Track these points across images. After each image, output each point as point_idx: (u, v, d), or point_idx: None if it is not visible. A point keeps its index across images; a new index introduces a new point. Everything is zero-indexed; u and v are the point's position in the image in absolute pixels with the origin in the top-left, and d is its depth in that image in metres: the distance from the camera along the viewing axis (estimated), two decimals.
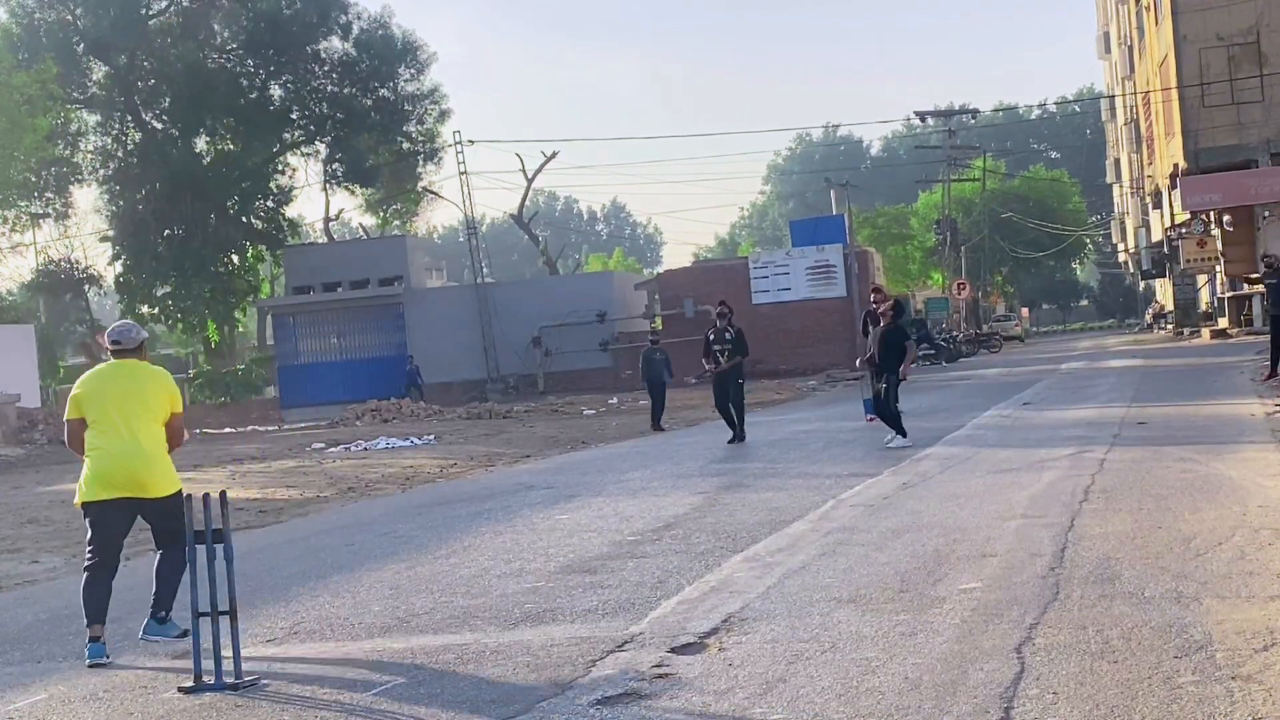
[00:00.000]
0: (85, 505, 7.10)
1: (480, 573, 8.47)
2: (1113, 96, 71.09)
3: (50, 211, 47.91)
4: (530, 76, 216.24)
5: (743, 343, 17.92)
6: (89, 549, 7.16)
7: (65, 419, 7.29)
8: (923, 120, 66.49)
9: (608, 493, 12.54)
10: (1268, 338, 19.21)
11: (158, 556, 7.25)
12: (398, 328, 45.47)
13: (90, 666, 6.67)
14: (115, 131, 50.15)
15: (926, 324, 45.52)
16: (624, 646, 6.00)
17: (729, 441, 17.30)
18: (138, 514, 7.16)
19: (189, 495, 6.29)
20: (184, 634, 6.87)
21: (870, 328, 15.74)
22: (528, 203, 59.21)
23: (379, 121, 50.23)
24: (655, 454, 16.94)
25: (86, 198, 67.52)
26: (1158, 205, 50.27)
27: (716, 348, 17.77)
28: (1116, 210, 78.11)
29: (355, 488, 15.87)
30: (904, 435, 14.64)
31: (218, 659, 5.91)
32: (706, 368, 18.05)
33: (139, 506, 7.10)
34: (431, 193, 56.98)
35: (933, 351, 42.02)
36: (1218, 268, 43.86)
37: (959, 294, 59.43)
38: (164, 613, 7.18)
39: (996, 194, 77.16)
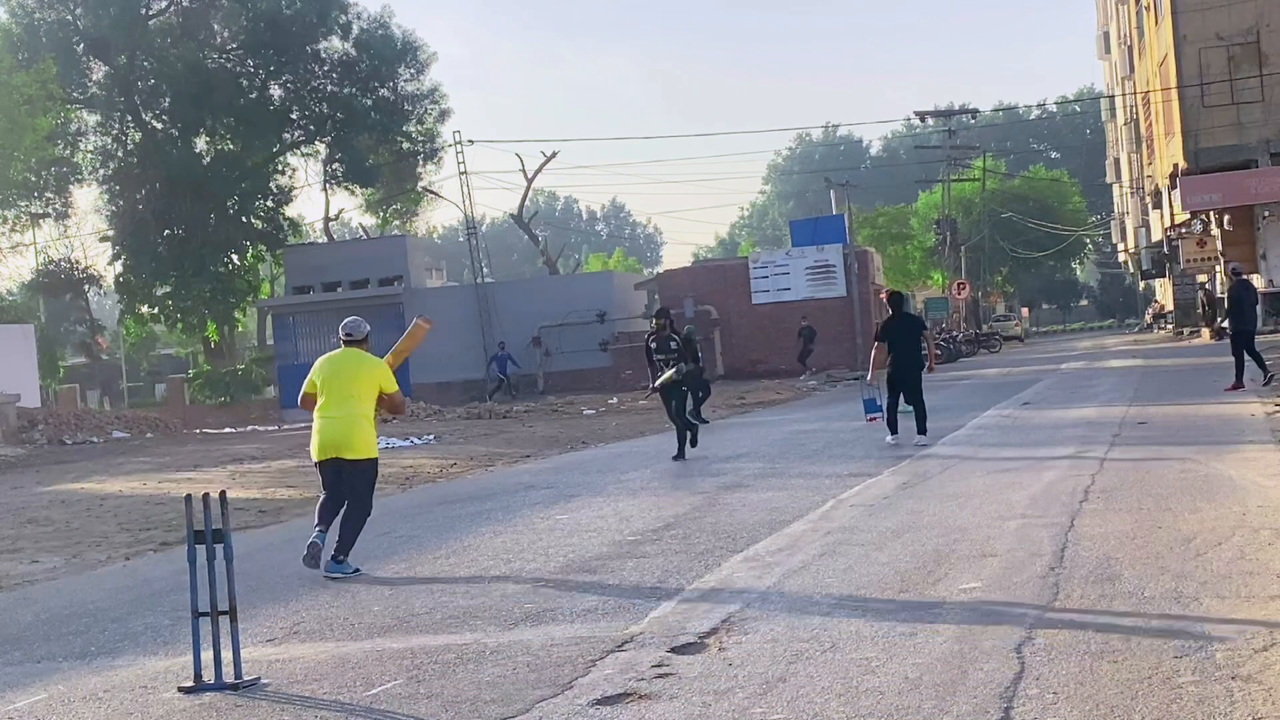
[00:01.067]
0: (316, 463, 9.18)
1: (480, 573, 8.47)
2: (1113, 96, 71.07)
3: (50, 211, 47.90)
4: (530, 76, 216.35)
5: (692, 349, 16.50)
6: (322, 491, 9.25)
7: (303, 392, 9.32)
8: (923, 120, 66.48)
9: (608, 493, 12.54)
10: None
11: (345, 507, 8.93)
12: (398, 328, 45.24)
13: (309, 546, 8.75)
14: (115, 131, 50.14)
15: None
16: (624, 646, 6.00)
17: (673, 458, 15.77)
18: (340, 473, 8.98)
19: (189, 495, 6.29)
20: (356, 571, 8.83)
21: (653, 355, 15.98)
22: (528, 203, 59.18)
23: (379, 121, 50.21)
24: (655, 454, 16.93)
25: (86, 198, 67.48)
26: (1158, 205, 50.26)
27: (660, 358, 15.91)
28: (1116, 210, 78.10)
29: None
30: (894, 432, 15.06)
31: (218, 659, 5.91)
32: (651, 386, 16.43)
33: (342, 464, 8.93)
34: (431, 193, 57.00)
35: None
36: (1218, 268, 43.86)
37: (959, 294, 59.43)
38: (343, 555, 8.85)
39: (996, 194, 77.15)
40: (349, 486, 8.94)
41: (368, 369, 9.14)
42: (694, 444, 16.20)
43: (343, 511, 8.92)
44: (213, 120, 49.04)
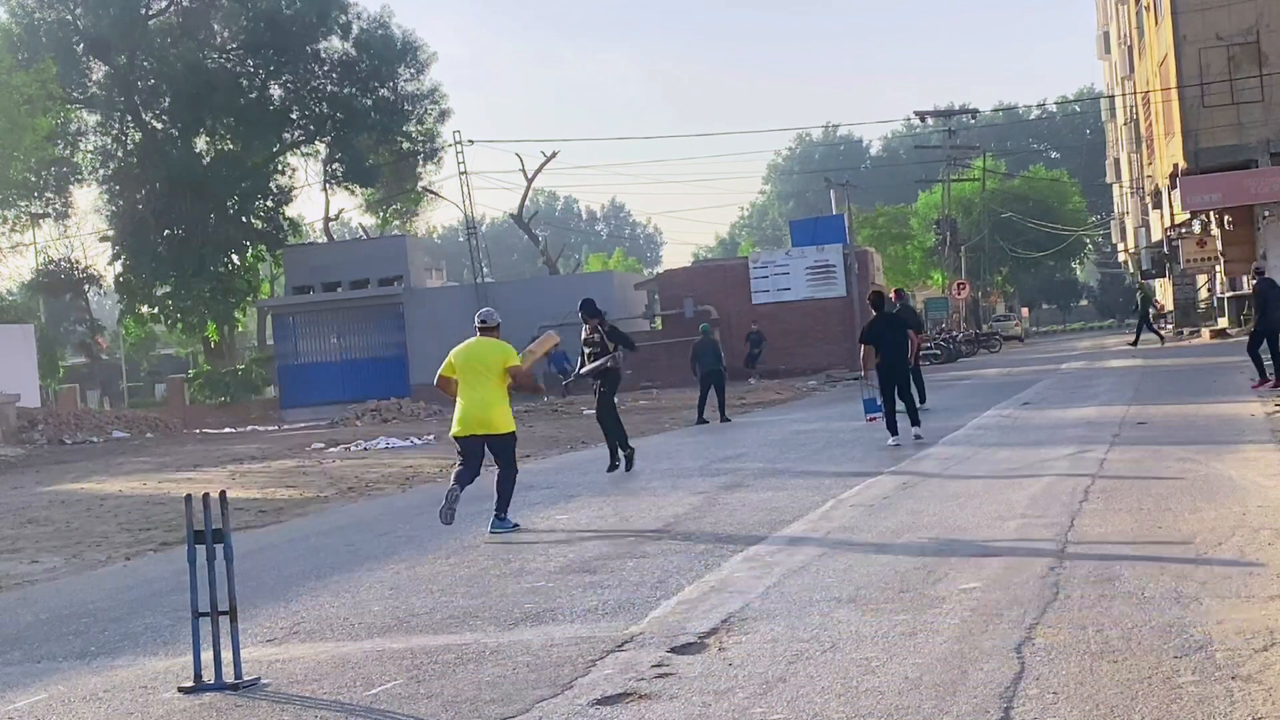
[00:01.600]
0: (455, 437, 10.59)
1: (480, 573, 8.47)
2: (1113, 96, 71.08)
3: (50, 211, 47.93)
4: (530, 76, 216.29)
5: (619, 337, 14.83)
6: (459, 459, 10.66)
7: (439, 374, 10.67)
8: (923, 120, 66.49)
9: (608, 493, 12.54)
10: (1266, 344, 19.17)
11: (497, 473, 10.52)
12: (398, 328, 45.44)
13: (448, 503, 10.23)
14: (115, 131, 50.15)
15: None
16: (624, 646, 6.00)
17: (607, 469, 14.65)
18: (485, 444, 10.48)
19: (189, 495, 6.29)
20: (515, 527, 10.35)
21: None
22: (527, 203, 59.18)
23: (379, 121, 50.21)
24: (655, 454, 16.93)
25: (86, 198, 67.45)
26: (1157, 205, 50.25)
27: (587, 350, 14.75)
28: (1116, 210, 78.12)
29: (355, 488, 15.86)
30: (894, 433, 15.07)
31: (218, 659, 5.91)
32: (569, 378, 15.21)
33: (485, 439, 10.45)
34: (431, 193, 56.99)
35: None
36: (1218, 268, 43.85)
37: (959, 294, 59.43)
38: (503, 513, 10.41)
39: (996, 194, 77.13)
40: (495, 456, 10.57)
41: (499, 352, 10.56)
42: (629, 466, 14.62)
43: (496, 476, 10.53)
44: (213, 120, 49.04)
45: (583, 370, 14.95)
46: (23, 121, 35.90)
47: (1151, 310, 43.27)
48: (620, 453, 14.71)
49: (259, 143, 49.99)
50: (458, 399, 10.50)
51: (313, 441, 25.10)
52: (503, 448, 10.55)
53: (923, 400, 18.91)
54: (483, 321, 10.82)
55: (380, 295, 45.47)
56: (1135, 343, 38.43)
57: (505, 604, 7.29)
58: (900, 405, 15.25)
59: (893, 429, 15.07)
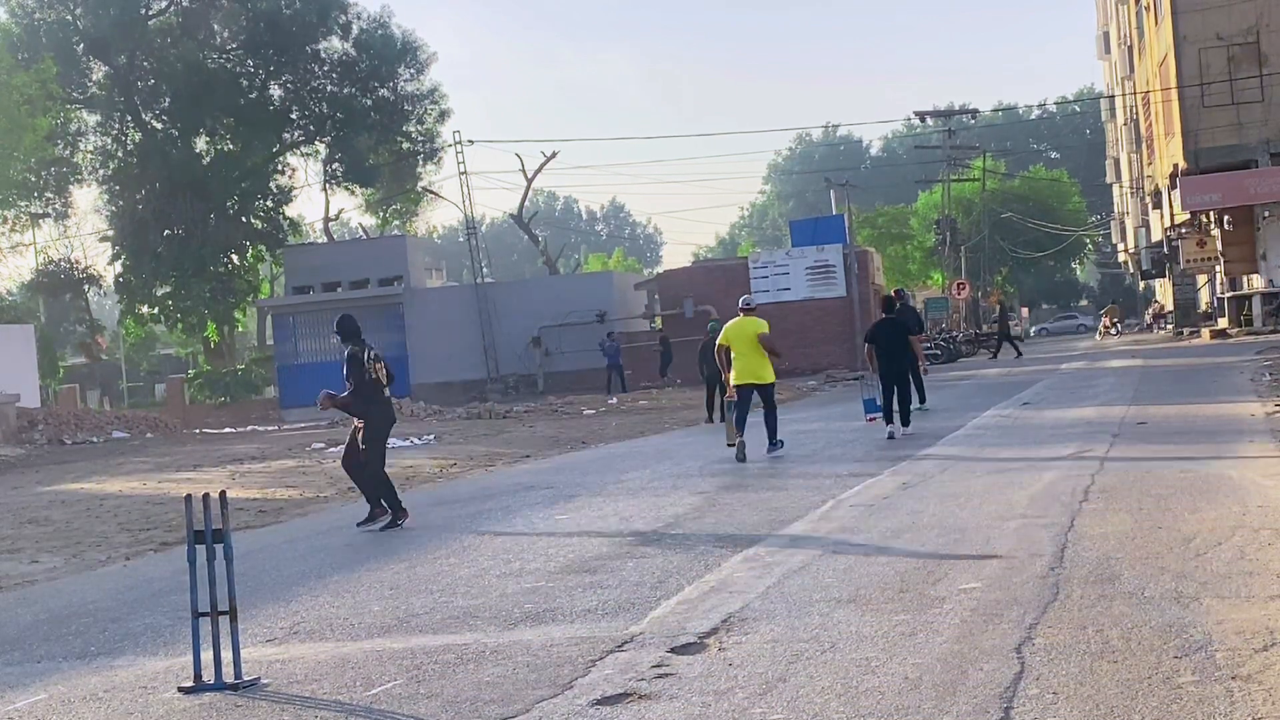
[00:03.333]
0: (735, 386, 14.76)
1: (480, 573, 8.47)
2: (1112, 96, 71.07)
3: (50, 211, 47.93)
4: (530, 76, 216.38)
5: (355, 369, 11.43)
6: (733, 405, 14.87)
7: (718, 344, 15.26)
8: (923, 120, 66.48)
9: (608, 493, 12.53)
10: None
11: (765, 413, 14.93)
12: (398, 328, 45.44)
13: (739, 447, 14.43)
14: (115, 131, 50.15)
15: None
16: (624, 646, 6.00)
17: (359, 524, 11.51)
18: (754, 391, 14.73)
19: (189, 495, 6.29)
20: (782, 444, 14.97)
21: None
22: (527, 203, 59.19)
23: (379, 121, 50.22)
24: (655, 454, 16.93)
25: (86, 198, 67.58)
26: (1157, 205, 50.24)
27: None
28: (1116, 210, 78.09)
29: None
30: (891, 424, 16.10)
31: (217, 659, 5.91)
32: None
33: (754, 387, 14.74)
34: (431, 193, 57.00)
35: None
36: (1217, 268, 43.84)
37: (959, 294, 59.40)
38: (774, 439, 14.92)
39: (996, 194, 77.12)
40: (762, 400, 14.82)
41: (756, 327, 14.86)
42: (396, 521, 11.34)
43: (763, 415, 14.86)
44: (212, 120, 49.05)
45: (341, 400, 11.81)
46: (23, 121, 35.89)
47: (1012, 322, 46.68)
48: (388, 510, 11.42)
49: (259, 143, 49.99)
50: (732, 361, 14.81)
51: (313, 441, 25.09)
52: (767, 394, 14.94)
53: (922, 401, 19.00)
54: (746, 305, 15.21)
55: (380, 295, 45.46)
56: (995, 355, 39.04)
57: (505, 604, 7.29)
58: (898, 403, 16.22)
59: (888, 419, 15.98)
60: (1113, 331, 58.72)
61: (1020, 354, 39.89)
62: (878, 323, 16.83)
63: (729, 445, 14.85)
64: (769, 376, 14.78)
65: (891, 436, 15.54)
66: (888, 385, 16.09)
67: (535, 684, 5.48)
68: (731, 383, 14.77)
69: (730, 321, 15.17)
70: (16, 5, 47.59)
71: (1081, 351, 43.27)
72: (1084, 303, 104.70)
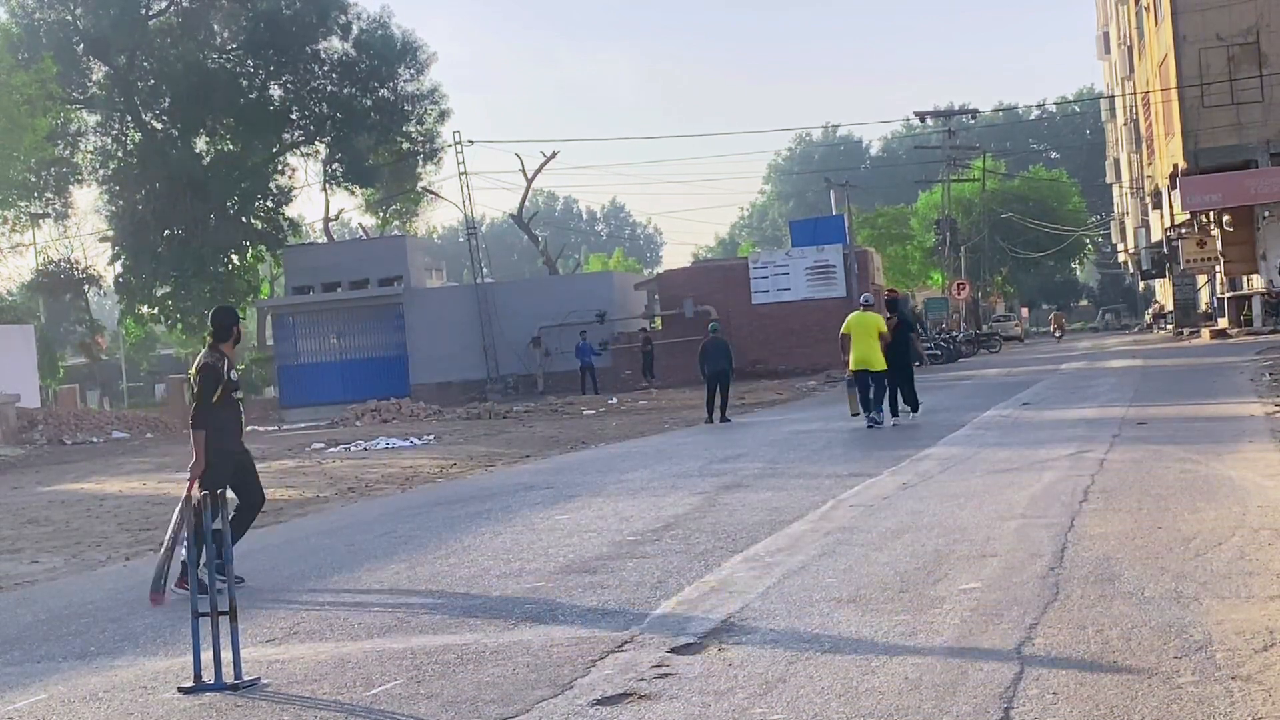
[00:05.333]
0: (853, 371, 17.54)
1: (480, 573, 8.47)
2: (1112, 96, 71.09)
3: (50, 211, 47.89)
4: (529, 76, 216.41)
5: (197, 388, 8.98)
6: (853, 387, 18.16)
7: (841, 333, 17.84)
8: (923, 120, 66.46)
9: (608, 493, 12.53)
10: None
11: (886, 392, 17.58)
12: (397, 328, 45.45)
13: (872, 421, 17.18)
14: (115, 131, 50.13)
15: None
16: (624, 646, 6.00)
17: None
18: (869, 376, 17.40)
19: (189, 495, 6.29)
20: (910, 412, 18.02)
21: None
22: (527, 203, 59.18)
23: (379, 121, 50.20)
24: (655, 454, 16.93)
25: (86, 198, 67.58)
26: (1157, 205, 50.26)
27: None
28: (1116, 210, 78.12)
29: (355, 488, 15.87)
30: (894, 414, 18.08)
31: (217, 659, 5.91)
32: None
33: (869, 373, 17.35)
34: (431, 193, 56.98)
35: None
36: (1217, 268, 43.85)
37: (959, 294, 59.42)
38: (914, 407, 18.00)
39: (996, 194, 77.13)
40: (873, 384, 17.40)
41: (876, 322, 17.59)
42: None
43: (886, 395, 17.56)
44: (213, 120, 49.03)
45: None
46: (23, 121, 35.88)
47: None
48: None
49: (259, 143, 49.98)
50: (851, 349, 17.38)
51: (312, 441, 25.10)
52: (878, 377, 17.44)
53: (914, 409, 18.37)
54: (865, 302, 18.69)
55: (380, 295, 45.47)
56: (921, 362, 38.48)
57: (505, 604, 7.29)
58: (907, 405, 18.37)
59: (866, 408, 17.70)
60: (1055, 335, 66.82)
61: (923, 362, 38.67)
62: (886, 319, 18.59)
63: (852, 415, 18.57)
64: (881, 364, 17.39)
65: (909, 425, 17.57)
66: (892, 381, 17.94)
67: (535, 684, 5.48)
68: (850, 367, 17.57)
69: (851, 314, 18.15)
70: (16, 5, 47.58)
71: (1081, 352, 43.28)
72: (1084, 303, 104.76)
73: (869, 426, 17.15)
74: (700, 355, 23.09)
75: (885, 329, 17.43)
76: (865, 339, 17.36)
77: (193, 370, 8.99)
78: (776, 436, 18.03)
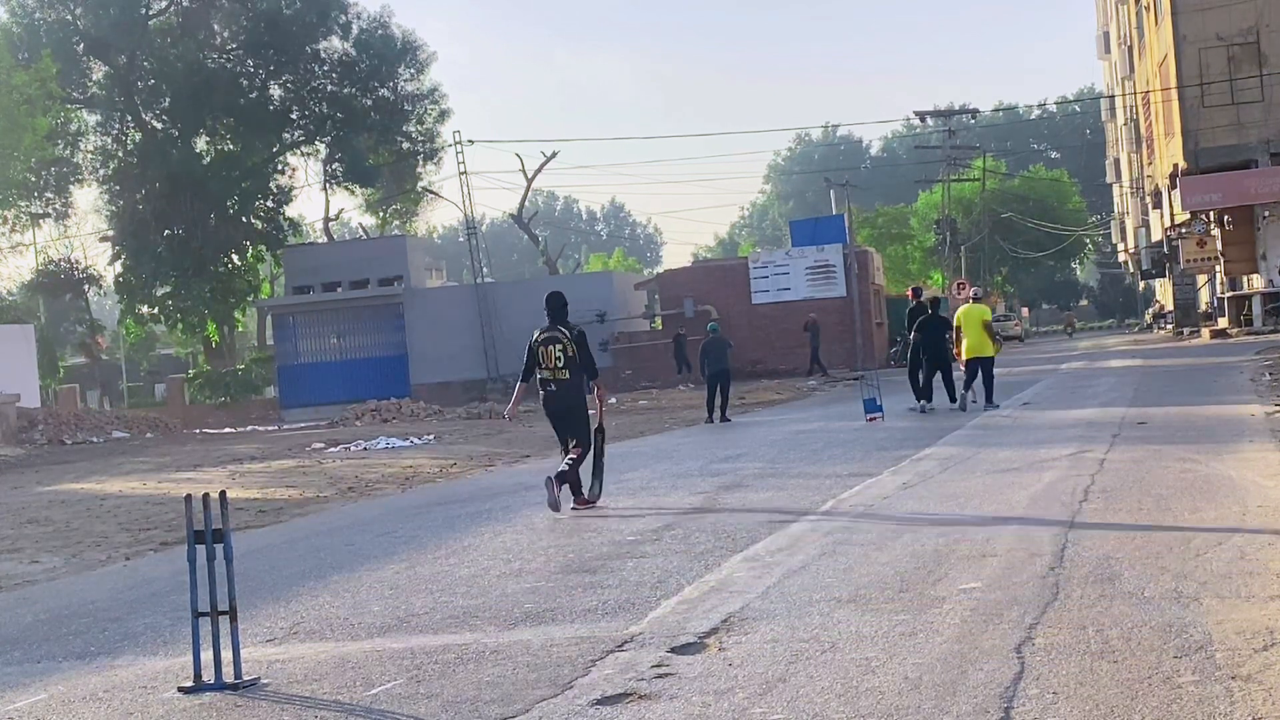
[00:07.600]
0: (966, 360, 19.09)
1: (480, 573, 8.46)
2: (1113, 96, 71.07)
3: (50, 211, 47.92)
4: (529, 77, 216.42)
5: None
6: (964, 372, 19.28)
7: (954, 324, 19.42)
8: (923, 120, 66.50)
9: (607, 493, 12.52)
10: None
11: (979, 376, 19.04)
12: (397, 328, 45.47)
13: (962, 401, 18.72)
14: (115, 131, 50.16)
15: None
16: (624, 646, 6.00)
17: None
18: (978, 364, 19.01)
19: (189, 495, 6.28)
20: (998, 407, 18.73)
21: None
22: (527, 203, 59.20)
23: (379, 121, 50.22)
24: (655, 454, 16.93)
25: (86, 198, 67.42)
26: (1158, 205, 50.25)
27: None
28: (1116, 210, 78.10)
29: (355, 488, 15.86)
30: (928, 400, 19.60)
31: (217, 659, 5.90)
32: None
33: (978, 360, 18.98)
34: (431, 193, 57.01)
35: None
36: (1218, 268, 43.85)
37: (959, 294, 59.38)
38: (991, 398, 18.90)
39: (996, 194, 77.13)
40: (981, 370, 18.94)
41: (984, 314, 19.61)
42: None
43: (982, 380, 18.98)
44: (213, 120, 49.05)
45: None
46: (23, 121, 35.90)
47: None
48: None
49: (259, 143, 50.00)
50: (964, 338, 18.97)
51: (313, 441, 25.10)
52: (987, 365, 18.98)
53: (929, 400, 19.84)
54: (976, 296, 21.53)
55: (380, 295, 45.48)
56: (811, 373, 38.66)
57: (505, 604, 7.28)
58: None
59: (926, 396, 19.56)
60: (1068, 333, 73.07)
61: (827, 374, 37.98)
62: (925, 317, 20.05)
63: (917, 400, 19.54)
64: (989, 351, 19.15)
65: (923, 411, 19.13)
66: (930, 370, 19.63)
67: (535, 684, 5.48)
68: (963, 356, 19.07)
69: (960, 308, 19.97)
70: (16, 5, 47.59)
71: (1081, 351, 43.27)
72: (1084, 303, 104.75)
73: (990, 410, 18.48)
74: (700, 355, 23.11)
75: (990, 318, 19.62)
76: (974, 329, 19.02)
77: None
78: (776, 436, 18.04)
